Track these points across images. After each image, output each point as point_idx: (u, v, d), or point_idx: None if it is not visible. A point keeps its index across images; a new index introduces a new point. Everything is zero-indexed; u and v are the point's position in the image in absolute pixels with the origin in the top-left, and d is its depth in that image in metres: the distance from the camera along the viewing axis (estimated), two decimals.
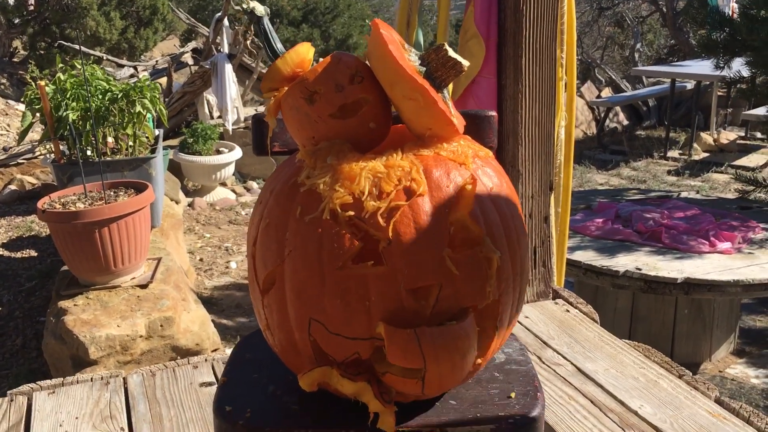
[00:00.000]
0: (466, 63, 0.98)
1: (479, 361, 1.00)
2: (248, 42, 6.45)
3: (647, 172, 7.79)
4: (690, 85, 9.29)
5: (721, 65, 4.66)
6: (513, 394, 1.08)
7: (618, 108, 9.78)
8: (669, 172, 7.80)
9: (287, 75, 1.00)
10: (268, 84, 1.01)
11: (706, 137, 8.64)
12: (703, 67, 7.72)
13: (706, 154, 8.40)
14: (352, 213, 0.92)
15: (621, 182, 7.49)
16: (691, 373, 1.91)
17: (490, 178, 1.00)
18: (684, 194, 4.84)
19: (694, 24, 5.19)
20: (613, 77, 10.90)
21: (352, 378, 0.95)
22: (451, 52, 0.97)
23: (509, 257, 0.98)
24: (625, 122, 9.99)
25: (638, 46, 11.54)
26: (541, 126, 2.16)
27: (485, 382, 1.12)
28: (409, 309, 0.92)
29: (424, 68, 0.97)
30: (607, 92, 10.40)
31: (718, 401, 1.78)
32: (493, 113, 1.23)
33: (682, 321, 3.89)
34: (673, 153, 8.54)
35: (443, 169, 0.96)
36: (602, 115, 9.47)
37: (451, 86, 1.01)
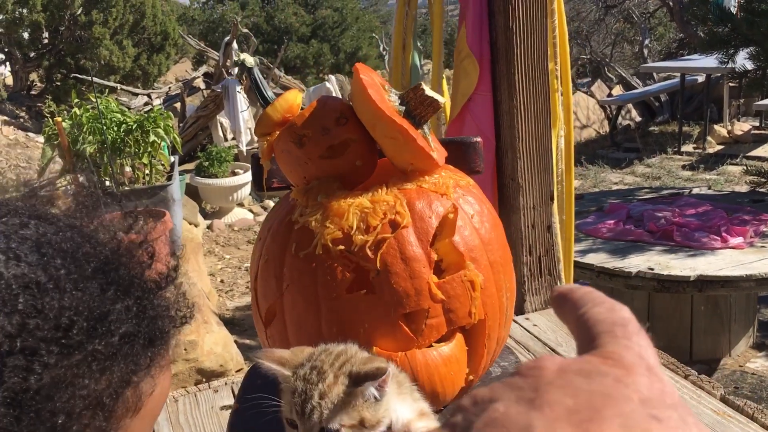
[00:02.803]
0: (442, 100, 1.04)
1: (471, 377, 1.07)
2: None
3: (662, 168, 7.78)
4: (701, 78, 9.26)
5: (725, 60, 4.68)
6: None
7: (630, 105, 9.77)
8: (684, 167, 7.78)
9: (277, 120, 1.08)
10: (260, 129, 1.09)
11: (720, 129, 8.61)
12: (712, 60, 7.70)
13: (721, 147, 8.38)
14: (342, 247, 0.99)
15: (635, 180, 7.49)
16: (696, 373, 1.95)
17: (471, 206, 1.07)
18: (696, 190, 4.86)
19: (697, 20, 5.21)
20: (624, 75, 10.89)
21: None
22: (428, 91, 1.04)
23: (493, 278, 1.05)
24: (638, 119, 9.98)
25: (647, 42, 11.52)
26: (538, 138, 2.22)
27: None
28: (401, 333, 0.99)
29: (404, 107, 1.04)
30: (618, 90, 10.40)
31: (723, 399, 1.82)
32: (478, 139, 1.29)
33: (699, 318, 3.90)
34: (687, 147, 8.52)
35: (425, 201, 1.02)
36: (614, 113, 9.47)
37: (432, 120, 1.07)
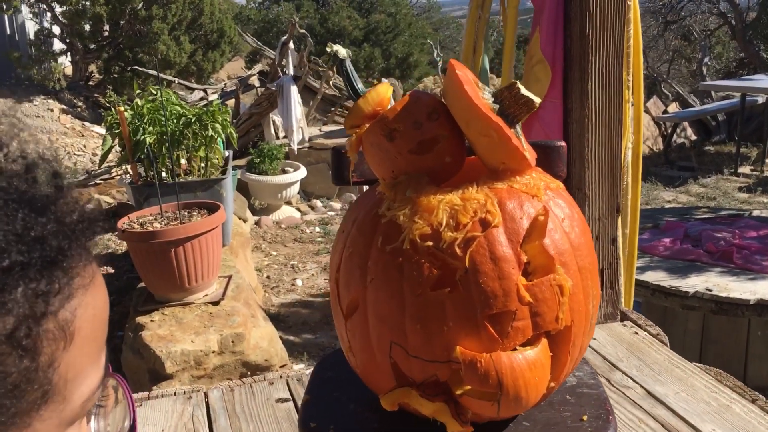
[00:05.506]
0: (537, 100, 1.02)
1: (552, 384, 1.04)
2: (308, 66, 6.70)
3: (717, 189, 7.60)
4: (761, 99, 9.03)
5: None
6: (585, 417, 1.11)
7: (686, 123, 9.57)
8: (740, 189, 7.59)
9: (368, 113, 1.07)
10: (350, 121, 1.08)
11: None
12: None
13: None
14: (430, 243, 0.98)
15: (690, 199, 7.33)
16: (765, 398, 1.89)
17: (562, 209, 1.04)
18: (756, 213, 4.72)
19: (760, 39, 5.08)
20: (680, 92, 10.68)
21: (431, 398, 1.00)
22: (524, 90, 1.02)
23: (581, 284, 1.02)
24: (694, 137, 9.77)
25: (706, 59, 11.29)
26: (608, 148, 2.18)
27: (558, 405, 1.15)
28: (485, 334, 0.97)
29: (498, 105, 1.03)
30: (673, 107, 10.21)
31: None
32: (563, 143, 1.27)
33: (755, 343, 3.78)
34: (744, 169, 8.31)
35: (517, 202, 1.00)
36: (669, 130, 9.29)
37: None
